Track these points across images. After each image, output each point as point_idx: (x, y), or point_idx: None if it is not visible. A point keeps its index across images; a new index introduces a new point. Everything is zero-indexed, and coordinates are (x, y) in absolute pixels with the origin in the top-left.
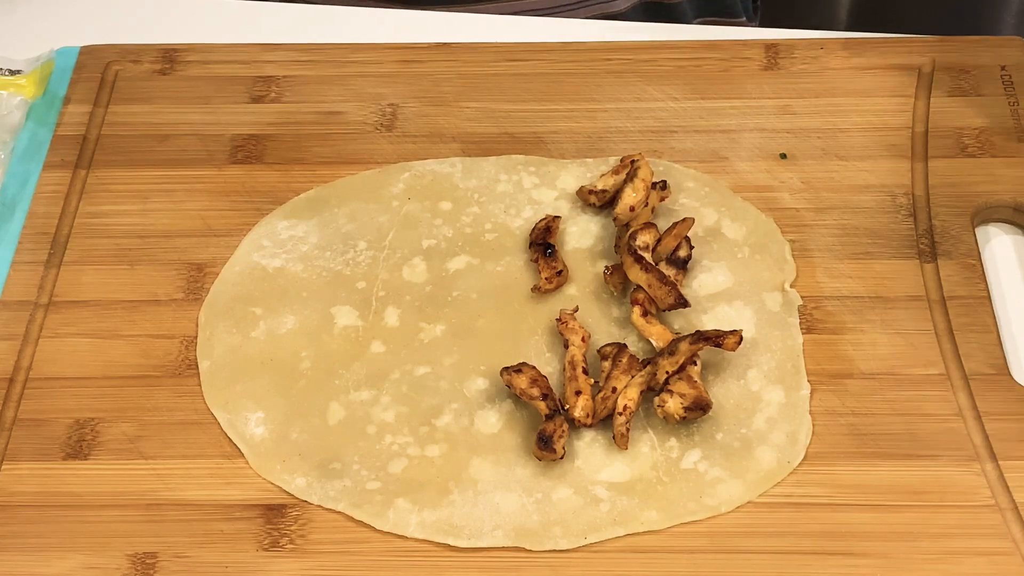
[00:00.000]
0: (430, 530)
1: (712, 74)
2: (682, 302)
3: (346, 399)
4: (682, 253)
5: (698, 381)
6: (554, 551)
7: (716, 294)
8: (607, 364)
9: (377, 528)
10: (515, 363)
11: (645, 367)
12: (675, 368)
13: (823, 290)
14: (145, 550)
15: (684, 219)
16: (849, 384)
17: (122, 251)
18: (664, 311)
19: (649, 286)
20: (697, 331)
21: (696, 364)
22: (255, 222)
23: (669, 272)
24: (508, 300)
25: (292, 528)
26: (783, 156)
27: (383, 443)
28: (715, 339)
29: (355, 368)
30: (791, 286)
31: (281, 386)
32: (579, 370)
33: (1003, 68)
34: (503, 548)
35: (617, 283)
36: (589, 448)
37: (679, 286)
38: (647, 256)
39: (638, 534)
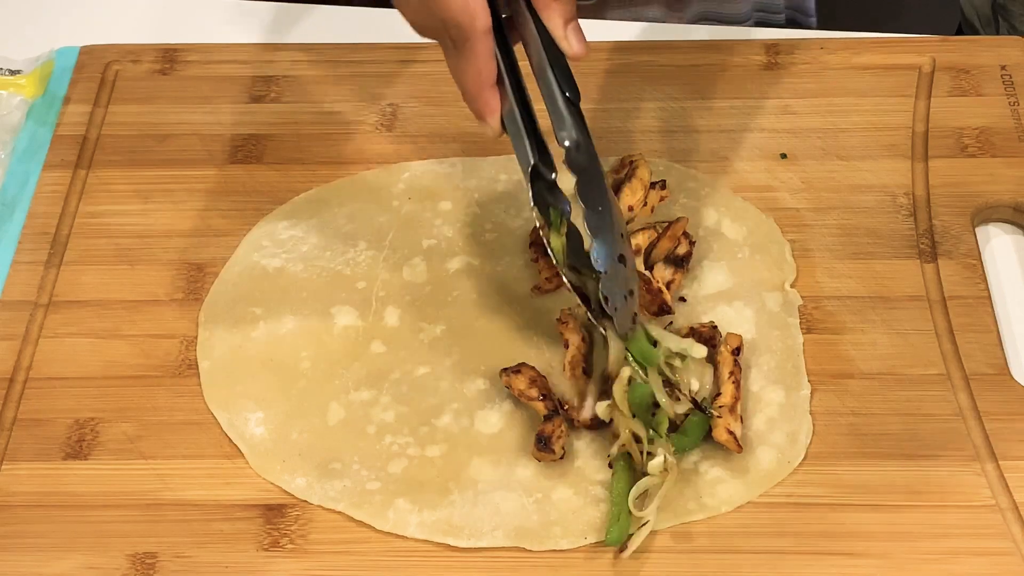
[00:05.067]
0: (430, 530)
1: (712, 74)
2: (666, 310)
3: (346, 399)
4: (681, 251)
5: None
6: (554, 551)
7: (716, 294)
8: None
9: (377, 528)
10: (515, 363)
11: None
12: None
13: (823, 290)
14: (145, 550)
15: (678, 219)
16: (849, 384)
17: (122, 251)
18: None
19: None
20: (692, 329)
21: None
22: (255, 222)
23: (667, 272)
24: (508, 300)
25: (292, 528)
26: (783, 156)
27: (383, 443)
28: (712, 340)
29: (355, 368)
30: (791, 286)
31: (281, 386)
32: (579, 370)
33: (1003, 68)
34: (503, 548)
35: None
36: (589, 448)
37: (677, 285)
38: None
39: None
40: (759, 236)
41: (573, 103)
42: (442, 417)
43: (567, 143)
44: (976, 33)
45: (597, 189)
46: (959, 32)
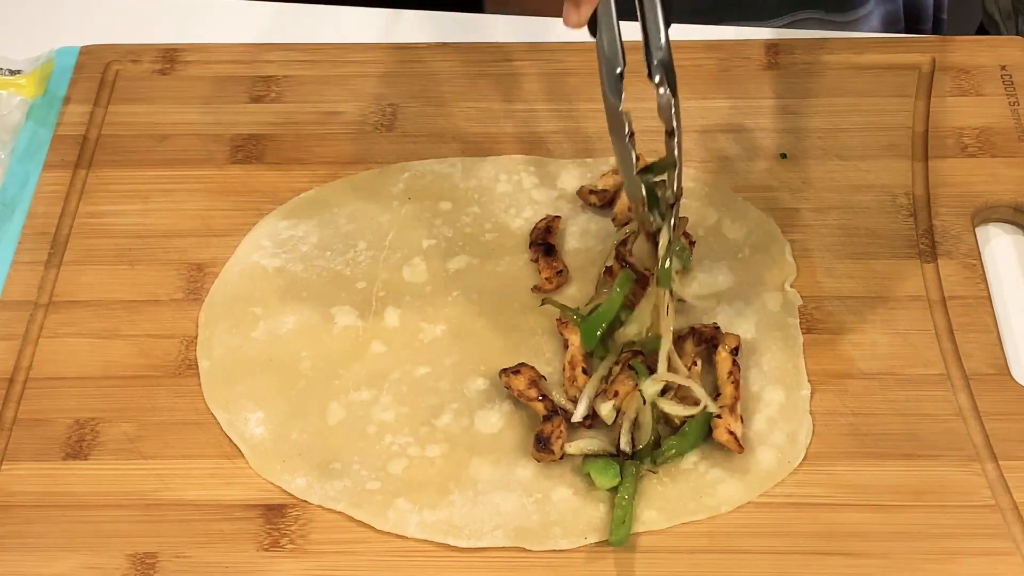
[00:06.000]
0: (430, 530)
1: (712, 74)
2: None
3: (346, 399)
4: None
5: (699, 385)
6: (554, 551)
7: (716, 294)
8: (614, 368)
9: (377, 528)
10: (514, 363)
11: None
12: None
13: (823, 290)
14: (145, 550)
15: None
16: (849, 384)
17: (122, 251)
18: None
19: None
20: (693, 328)
21: (697, 365)
22: (255, 222)
23: None
24: (508, 300)
25: (292, 528)
26: (783, 156)
27: (383, 443)
28: (713, 341)
29: (355, 368)
30: (791, 286)
31: (281, 386)
32: (579, 370)
33: (1003, 68)
34: (503, 548)
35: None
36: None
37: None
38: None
39: (638, 534)
40: (759, 236)
41: (667, 27)
42: (442, 417)
43: (658, 64)
44: (997, 28)
45: (677, 115)
46: (981, 27)
